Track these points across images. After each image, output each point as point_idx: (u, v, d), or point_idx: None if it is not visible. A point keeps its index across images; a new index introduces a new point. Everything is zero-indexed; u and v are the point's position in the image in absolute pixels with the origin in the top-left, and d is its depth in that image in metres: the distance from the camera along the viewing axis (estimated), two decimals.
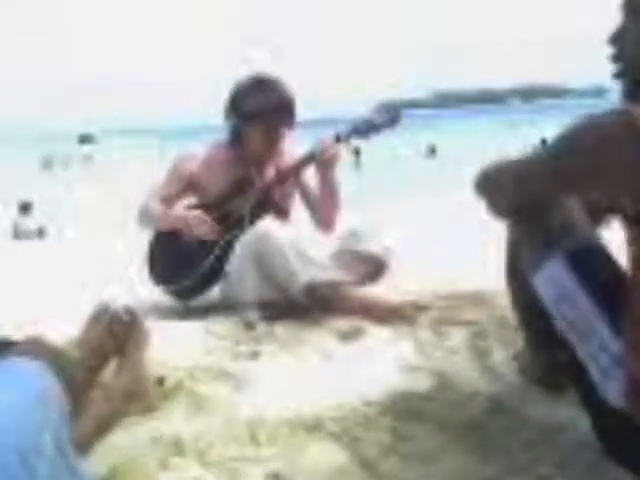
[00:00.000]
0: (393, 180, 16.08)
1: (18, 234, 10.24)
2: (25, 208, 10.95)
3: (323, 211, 2.89)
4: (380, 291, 2.64)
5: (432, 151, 25.93)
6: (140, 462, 1.45)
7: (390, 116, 2.78)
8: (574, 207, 1.40)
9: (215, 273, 2.73)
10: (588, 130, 1.21)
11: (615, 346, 1.25)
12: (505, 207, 1.44)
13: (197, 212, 2.78)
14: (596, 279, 1.32)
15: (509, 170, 1.40)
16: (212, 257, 2.73)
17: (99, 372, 1.78)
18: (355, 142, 2.92)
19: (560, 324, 1.33)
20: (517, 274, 1.47)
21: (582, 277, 1.31)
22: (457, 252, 3.41)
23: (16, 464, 1.07)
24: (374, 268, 2.76)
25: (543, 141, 15.15)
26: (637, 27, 1.27)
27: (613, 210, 1.34)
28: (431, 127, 51.06)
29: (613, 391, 1.24)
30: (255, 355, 2.15)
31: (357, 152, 22.24)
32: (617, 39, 1.32)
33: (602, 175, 1.21)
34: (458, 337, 2.17)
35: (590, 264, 1.33)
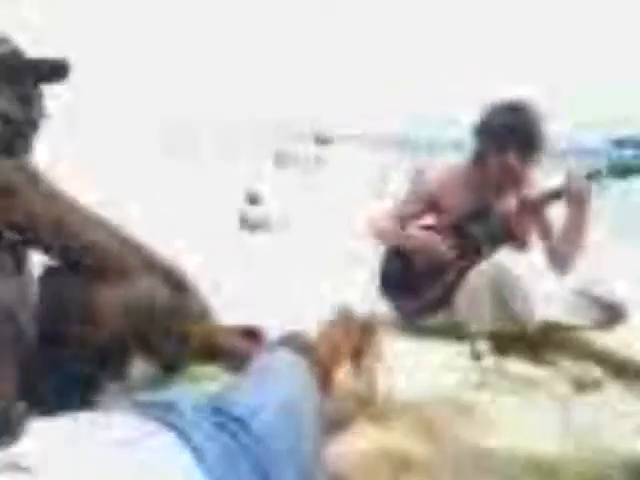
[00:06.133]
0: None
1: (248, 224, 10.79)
2: (254, 199, 11.51)
3: (562, 250, 2.65)
4: (618, 341, 2.48)
5: None
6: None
7: None
8: None
9: (444, 298, 2.70)
10: None
11: None
12: None
13: (434, 233, 2.74)
14: None
15: None
16: (445, 281, 2.70)
17: (332, 373, 1.84)
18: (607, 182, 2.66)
19: None
20: None
21: None
22: None
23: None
24: (610, 316, 2.60)
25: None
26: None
27: None
28: None
29: None
30: (481, 387, 2.10)
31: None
32: None
33: None
34: None
35: None
